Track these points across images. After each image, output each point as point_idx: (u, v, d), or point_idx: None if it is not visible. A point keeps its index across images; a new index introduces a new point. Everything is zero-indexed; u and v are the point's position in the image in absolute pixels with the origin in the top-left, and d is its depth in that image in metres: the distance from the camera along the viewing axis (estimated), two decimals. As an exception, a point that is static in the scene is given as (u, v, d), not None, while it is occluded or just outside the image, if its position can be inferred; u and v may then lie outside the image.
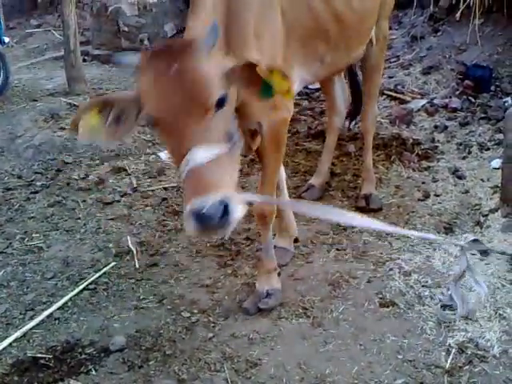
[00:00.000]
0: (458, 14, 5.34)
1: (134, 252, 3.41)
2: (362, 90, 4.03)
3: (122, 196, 4.02)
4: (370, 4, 3.30)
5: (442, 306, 2.80)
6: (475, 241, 2.45)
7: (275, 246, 3.28)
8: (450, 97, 4.93)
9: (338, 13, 3.01)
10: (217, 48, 2.17)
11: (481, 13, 5.12)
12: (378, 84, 3.87)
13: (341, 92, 3.97)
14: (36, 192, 4.10)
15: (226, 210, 1.95)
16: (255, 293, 2.96)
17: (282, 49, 2.71)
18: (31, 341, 2.79)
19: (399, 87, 5.25)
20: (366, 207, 3.71)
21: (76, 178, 4.24)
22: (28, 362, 2.66)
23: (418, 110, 4.90)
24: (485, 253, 3.16)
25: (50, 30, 8.43)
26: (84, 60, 6.49)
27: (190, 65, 2.03)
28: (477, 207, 3.66)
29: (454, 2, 5.43)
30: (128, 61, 2.19)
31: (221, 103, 2.07)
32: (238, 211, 2.00)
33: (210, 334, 2.76)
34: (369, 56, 3.54)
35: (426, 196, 3.84)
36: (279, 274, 3.05)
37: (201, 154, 1.99)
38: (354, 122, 4.49)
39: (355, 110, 4.16)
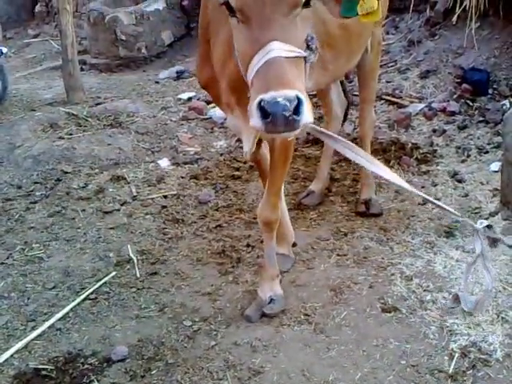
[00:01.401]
0: (454, 18, 5.34)
1: (135, 261, 3.40)
2: (348, 95, 4.06)
3: (121, 205, 4.02)
4: None
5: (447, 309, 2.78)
6: (489, 227, 2.40)
7: (276, 253, 3.29)
8: (448, 100, 4.93)
9: (344, 21, 3.01)
10: None
11: (477, 16, 5.13)
12: (374, 89, 3.88)
13: (336, 97, 3.98)
14: (35, 202, 4.09)
15: (299, 107, 1.80)
16: (257, 300, 2.95)
17: None
18: (33, 352, 2.78)
19: (397, 92, 5.25)
20: (366, 212, 3.71)
21: (75, 187, 4.23)
22: (30, 374, 2.65)
23: (417, 114, 4.91)
24: (494, 243, 3.14)
25: (47, 40, 8.42)
26: (82, 69, 6.48)
27: None
28: (477, 210, 3.66)
29: (450, 6, 5.44)
30: None
31: (308, 2, 1.97)
32: (309, 115, 1.86)
33: (213, 342, 2.76)
34: (364, 62, 3.56)
35: (426, 200, 3.84)
36: (280, 281, 3.04)
37: (281, 50, 1.86)
38: (352, 127, 4.50)
39: (344, 113, 4.17)
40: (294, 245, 3.42)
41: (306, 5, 1.98)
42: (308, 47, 2.00)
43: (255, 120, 1.84)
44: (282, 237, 3.34)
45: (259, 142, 2.87)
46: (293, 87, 1.82)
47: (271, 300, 2.93)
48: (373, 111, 3.95)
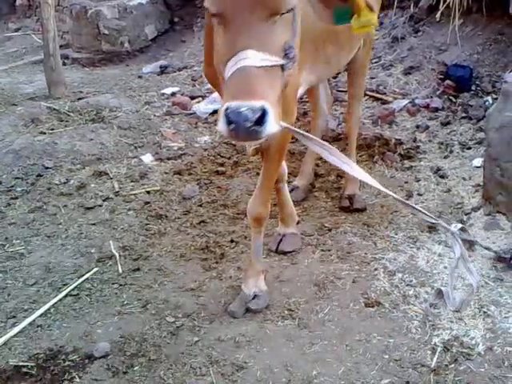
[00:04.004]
0: (438, 15, 5.37)
1: (117, 257, 3.37)
2: (332, 92, 4.08)
3: (104, 200, 3.98)
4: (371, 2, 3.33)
5: (431, 305, 2.80)
6: (463, 230, 2.43)
7: (284, 235, 3.31)
8: (431, 97, 4.96)
9: None
10: None
11: (460, 13, 5.16)
12: (362, 86, 3.90)
13: (324, 94, 3.99)
14: (16, 198, 4.03)
15: (263, 118, 1.82)
16: (241, 295, 2.94)
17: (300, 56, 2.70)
18: (13, 349, 2.74)
19: (381, 88, 5.27)
20: (350, 207, 3.71)
21: (57, 182, 4.18)
22: (10, 371, 2.61)
23: (400, 110, 4.92)
24: (471, 246, 3.18)
25: (28, 34, 8.32)
26: (64, 63, 6.41)
27: None
28: (459, 206, 3.68)
29: (433, 2, 5.47)
30: None
31: (290, 8, 1.95)
32: (274, 125, 1.87)
33: (196, 338, 2.74)
34: (356, 58, 3.55)
35: (409, 195, 3.86)
36: (265, 277, 3.04)
37: (254, 58, 1.87)
38: (337, 123, 4.51)
39: None
40: (298, 223, 3.46)
41: (290, 10, 1.95)
42: (285, 55, 1.97)
43: (220, 125, 1.87)
44: (288, 216, 3.39)
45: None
46: (260, 97, 1.83)
47: (255, 296, 2.93)
48: (360, 108, 3.97)
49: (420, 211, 2.37)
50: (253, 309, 2.89)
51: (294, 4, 1.97)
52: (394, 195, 2.36)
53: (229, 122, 1.83)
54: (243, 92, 1.84)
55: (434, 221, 2.31)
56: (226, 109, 1.83)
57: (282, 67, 1.96)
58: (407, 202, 2.47)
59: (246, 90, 1.85)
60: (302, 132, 2.28)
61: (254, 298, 2.92)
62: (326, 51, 3.03)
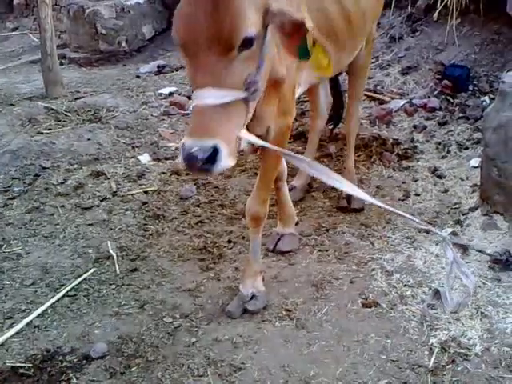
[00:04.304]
0: (435, 15, 5.38)
1: (115, 257, 3.37)
2: (343, 94, 4.06)
3: (101, 201, 3.97)
4: (373, 3, 3.35)
5: (428, 306, 2.80)
6: (454, 234, 2.44)
7: (282, 235, 3.31)
8: (429, 97, 4.96)
9: (348, 13, 3.03)
10: None
11: (458, 13, 5.16)
12: (363, 86, 3.91)
13: (324, 95, 3.99)
14: (13, 198, 4.02)
15: (214, 156, 1.91)
16: (239, 296, 2.94)
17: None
18: (10, 350, 2.73)
19: (378, 88, 5.27)
20: (348, 207, 3.71)
21: (54, 182, 4.17)
22: (7, 372, 2.60)
23: (398, 110, 4.93)
24: (464, 250, 3.18)
25: (26, 34, 8.30)
26: (61, 63, 6.40)
27: None
28: (457, 206, 3.69)
29: (431, 2, 5.47)
30: None
31: (247, 43, 1.95)
32: (227, 161, 1.95)
33: (193, 339, 2.74)
34: (357, 58, 3.54)
35: (407, 195, 3.86)
36: (263, 278, 3.03)
37: (210, 96, 1.92)
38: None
39: (338, 114, 4.19)
40: (297, 223, 3.46)
41: (246, 47, 1.96)
42: (247, 89, 2.00)
43: (179, 157, 1.98)
44: (287, 216, 3.39)
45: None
46: (212, 136, 1.91)
47: (253, 296, 2.92)
48: (360, 108, 3.97)
49: (410, 219, 2.41)
50: (250, 310, 2.89)
51: (253, 35, 1.96)
52: (385, 205, 2.39)
53: (184, 159, 1.93)
54: (196, 131, 1.93)
55: (423, 227, 2.33)
56: (183, 145, 1.93)
57: (246, 99, 2.01)
58: (398, 212, 2.50)
59: (199, 129, 1.93)
60: (287, 152, 2.32)
61: (251, 299, 2.91)
62: None
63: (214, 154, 1.90)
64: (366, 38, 3.51)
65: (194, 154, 1.89)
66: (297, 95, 2.92)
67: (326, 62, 2.08)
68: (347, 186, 2.20)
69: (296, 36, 2.01)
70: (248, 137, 2.14)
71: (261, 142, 2.24)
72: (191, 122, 1.99)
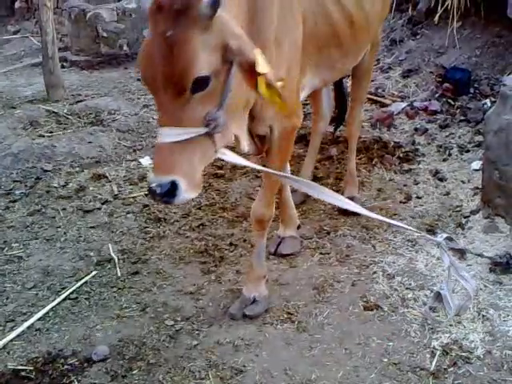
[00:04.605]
0: (436, 18, 5.38)
1: (116, 260, 3.37)
2: (346, 97, 4.06)
3: (102, 203, 3.97)
4: (378, 8, 3.35)
5: (430, 308, 2.80)
6: (450, 239, 2.44)
7: (283, 237, 3.32)
8: (430, 99, 4.96)
9: (352, 19, 3.03)
10: (232, 13, 2.11)
11: (459, 16, 5.17)
12: (366, 89, 3.91)
13: (327, 98, 3.99)
14: (15, 201, 4.03)
15: (173, 191, 2.06)
16: (241, 298, 2.94)
17: (300, 58, 2.72)
18: (11, 352, 2.73)
19: (379, 91, 5.28)
20: (349, 210, 3.70)
21: (56, 185, 4.18)
22: (9, 375, 2.60)
23: (399, 113, 4.93)
24: (462, 254, 3.18)
25: (27, 37, 8.31)
26: (62, 66, 6.40)
27: (181, 32, 1.94)
28: (458, 209, 3.69)
29: (432, 5, 5.48)
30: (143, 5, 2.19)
31: (201, 84, 2.01)
32: (186, 194, 2.10)
33: (195, 342, 2.74)
34: (362, 61, 3.53)
35: (408, 198, 3.86)
36: (267, 281, 3.03)
37: (169, 134, 2.04)
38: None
39: (341, 116, 4.19)
40: (299, 227, 3.45)
41: (200, 87, 2.01)
42: (207, 126, 2.07)
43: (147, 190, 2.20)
44: (289, 219, 3.39)
45: (262, 138, 2.87)
46: (170, 172, 2.06)
47: (254, 300, 2.91)
48: (362, 111, 3.97)
49: (403, 227, 2.48)
50: (248, 315, 2.88)
51: (206, 75, 2.00)
52: (379, 217, 2.51)
53: (148, 192, 2.16)
54: (157, 167, 2.11)
55: (418, 234, 2.39)
56: (148, 180, 2.16)
57: (208, 133, 2.09)
58: (392, 222, 2.65)
59: (160, 166, 2.09)
60: (285, 175, 2.50)
61: (252, 303, 2.91)
62: (330, 55, 3.02)
63: (173, 188, 2.05)
64: (371, 42, 3.51)
65: (154, 189, 2.05)
66: (301, 98, 2.92)
67: (279, 102, 2.13)
68: (344, 202, 2.30)
69: (254, 73, 2.06)
70: (230, 159, 2.28)
71: (245, 163, 2.38)
72: (154, 158, 2.16)
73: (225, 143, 2.22)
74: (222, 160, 4.29)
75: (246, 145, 2.53)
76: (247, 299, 2.91)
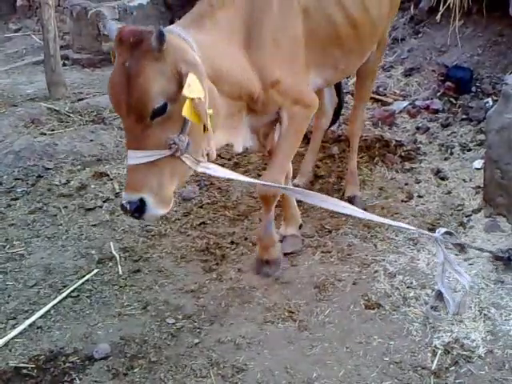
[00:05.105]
0: (438, 16, 5.37)
1: (117, 258, 3.37)
2: (342, 95, 4.09)
3: (104, 201, 3.97)
4: (384, 9, 3.34)
5: (431, 307, 2.80)
6: (449, 234, 2.44)
7: (284, 236, 3.36)
8: (432, 98, 4.95)
9: (354, 19, 3.05)
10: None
11: (461, 14, 5.16)
12: (370, 88, 3.92)
13: (329, 95, 3.99)
14: (17, 199, 4.03)
15: (142, 207, 2.26)
16: (257, 260, 3.18)
17: (302, 58, 2.76)
18: (13, 350, 2.73)
19: (381, 89, 5.27)
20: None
21: (57, 183, 4.18)
22: (10, 372, 2.60)
23: (400, 111, 4.93)
24: (462, 249, 3.17)
25: (29, 35, 8.31)
26: (64, 64, 6.40)
27: (136, 63, 2.13)
28: (460, 208, 3.68)
29: (434, 4, 5.46)
30: (110, 32, 2.34)
31: (159, 111, 2.18)
32: (155, 210, 2.30)
33: (196, 340, 2.74)
34: (367, 61, 3.53)
35: (410, 197, 3.86)
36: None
37: (134, 157, 2.22)
38: (337, 124, 4.52)
39: (337, 112, 4.19)
40: (301, 226, 3.46)
41: (159, 114, 2.19)
42: (169, 148, 2.22)
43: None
44: (290, 218, 3.41)
45: (266, 133, 2.98)
46: (139, 191, 2.25)
47: (267, 262, 3.12)
48: (365, 110, 3.97)
49: (399, 226, 2.52)
50: (264, 276, 3.09)
51: (162, 103, 2.18)
52: (378, 218, 2.64)
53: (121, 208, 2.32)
54: (128, 186, 2.29)
55: (414, 230, 2.44)
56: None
57: (175, 153, 2.24)
58: (391, 222, 2.72)
59: (130, 185, 2.28)
60: (282, 186, 2.68)
61: (266, 264, 3.12)
62: (332, 56, 3.03)
63: (141, 205, 2.26)
64: (378, 42, 3.50)
65: (124, 206, 2.26)
66: None
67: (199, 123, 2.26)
68: (344, 207, 2.35)
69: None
70: (214, 172, 2.42)
71: (230, 176, 2.56)
72: (126, 178, 2.33)
73: (201, 159, 2.35)
74: (224, 157, 4.37)
75: (238, 147, 2.71)
76: (261, 261, 3.14)
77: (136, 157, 2.22)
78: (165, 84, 2.17)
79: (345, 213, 2.57)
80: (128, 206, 2.25)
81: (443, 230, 2.33)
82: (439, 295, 2.72)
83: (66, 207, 3.92)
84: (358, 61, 3.36)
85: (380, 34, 3.44)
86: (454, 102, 4.82)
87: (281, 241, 3.38)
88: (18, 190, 4.13)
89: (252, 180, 2.82)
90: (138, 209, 2.26)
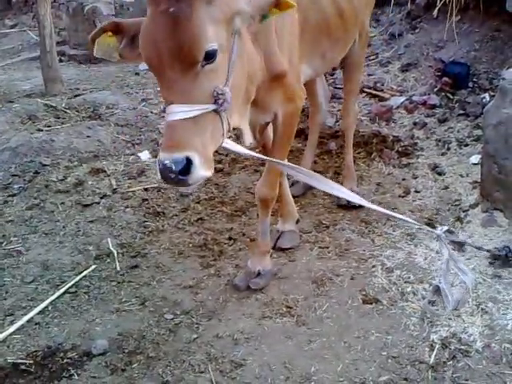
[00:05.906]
0: (435, 12, 5.36)
1: (115, 254, 3.37)
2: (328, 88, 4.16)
3: (101, 198, 3.97)
4: (362, 2, 3.40)
5: (429, 302, 2.81)
6: (450, 232, 2.45)
7: (282, 232, 3.36)
8: (429, 94, 4.95)
9: (340, 7, 3.10)
10: None
11: (458, 10, 5.15)
12: (358, 81, 3.90)
13: (322, 90, 4.00)
14: (14, 195, 4.02)
15: (188, 167, 1.98)
16: (246, 270, 3.03)
17: (298, 50, 2.78)
18: (11, 346, 2.74)
19: (378, 85, 5.27)
20: (348, 204, 3.71)
21: (54, 180, 4.17)
22: (8, 368, 2.61)
23: (398, 107, 4.93)
24: (461, 246, 3.18)
25: (25, 31, 8.28)
26: (60, 60, 6.39)
27: (186, 7, 1.94)
28: (457, 203, 3.69)
29: (430, -1, 5.47)
30: None
31: (209, 57, 2.01)
32: (202, 171, 2.03)
33: (194, 336, 2.74)
34: (351, 53, 3.56)
35: (407, 192, 3.86)
36: (271, 255, 3.11)
37: (178, 112, 2.00)
38: (334, 120, 4.52)
39: None
40: (297, 221, 3.47)
41: (208, 60, 2.01)
42: (215, 102, 2.05)
43: (157, 172, 2.06)
44: (287, 214, 3.41)
45: (262, 129, 2.96)
46: (184, 149, 1.98)
47: (259, 273, 3.01)
48: (356, 104, 3.97)
49: (402, 219, 2.49)
50: (252, 287, 2.97)
51: (214, 48, 2.01)
52: (377, 207, 2.55)
53: (159, 172, 2.00)
54: (169, 145, 2.00)
55: (417, 226, 2.41)
56: (158, 160, 1.99)
57: (216, 110, 2.07)
58: (392, 213, 2.66)
59: (172, 144, 2.00)
60: (287, 164, 2.50)
61: (257, 276, 3.00)
62: (320, 45, 3.07)
63: (188, 165, 1.98)
64: (359, 32, 3.52)
65: (168, 166, 1.96)
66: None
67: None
68: (343, 192, 2.31)
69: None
70: (232, 147, 2.28)
71: (246, 152, 2.39)
72: (164, 137, 2.07)
73: (228, 128, 2.20)
74: (221, 153, 4.37)
75: (249, 138, 2.55)
76: (251, 272, 3.01)
77: (181, 111, 2.00)
78: (217, 29, 2.03)
79: (350, 199, 2.52)
80: (173, 166, 1.94)
81: (445, 227, 2.34)
82: (437, 290, 2.73)
83: (63, 203, 3.91)
84: (342, 50, 3.40)
85: (360, 22, 3.48)
86: (451, 97, 4.82)
87: (278, 236, 3.39)
88: (15, 186, 4.12)
89: (268, 158, 2.68)
90: (185, 169, 1.97)
